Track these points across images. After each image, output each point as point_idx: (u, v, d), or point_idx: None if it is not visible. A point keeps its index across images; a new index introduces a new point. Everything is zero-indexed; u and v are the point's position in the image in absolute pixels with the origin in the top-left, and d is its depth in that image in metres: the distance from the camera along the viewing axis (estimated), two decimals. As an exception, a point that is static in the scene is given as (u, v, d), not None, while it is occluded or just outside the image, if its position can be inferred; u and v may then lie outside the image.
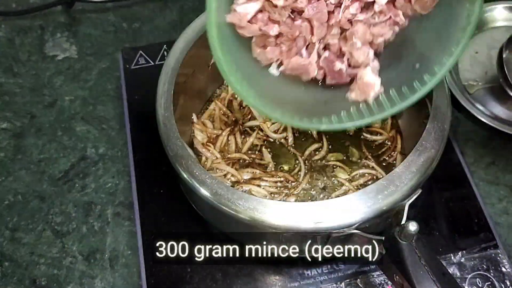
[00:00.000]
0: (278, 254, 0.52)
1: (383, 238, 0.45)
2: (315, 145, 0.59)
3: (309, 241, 0.48)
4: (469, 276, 0.55)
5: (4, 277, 0.57)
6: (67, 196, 0.62)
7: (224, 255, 0.56)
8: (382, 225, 0.49)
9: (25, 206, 0.62)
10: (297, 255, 0.53)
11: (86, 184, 0.63)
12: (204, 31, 0.55)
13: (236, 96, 0.63)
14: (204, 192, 0.46)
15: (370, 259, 0.52)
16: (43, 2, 0.79)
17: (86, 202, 0.62)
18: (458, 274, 0.55)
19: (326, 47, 0.46)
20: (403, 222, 0.45)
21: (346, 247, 0.48)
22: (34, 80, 0.72)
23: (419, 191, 0.47)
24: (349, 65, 0.46)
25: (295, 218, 0.44)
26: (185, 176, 0.47)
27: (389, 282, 0.54)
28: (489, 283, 0.54)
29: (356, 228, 0.45)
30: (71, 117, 0.69)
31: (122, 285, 0.57)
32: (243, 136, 0.60)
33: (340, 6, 0.44)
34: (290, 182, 0.57)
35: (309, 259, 0.53)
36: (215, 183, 0.46)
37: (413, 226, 0.42)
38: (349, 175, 0.58)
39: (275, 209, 0.44)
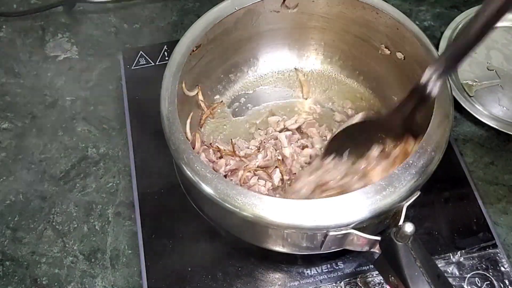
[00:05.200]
0: (277, 252, 0.52)
1: (380, 238, 0.45)
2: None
3: (308, 239, 0.48)
4: (468, 275, 0.55)
5: (5, 276, 0.57)
6: (68, 195, 0.63)
7: (224, 254, 0.56)
8: (381, 225, 0.50)
9: (26, 206, 0.62)
10: (296, 252, 0.53)
11: (87, 184, 0.63)
12: (209, 28, 0.56)
13: None
14: (204, 186, 0.46)
15: (366, 258, 0.53)
16: (44, 3, 0.79)
17: (87, 201, 0.62)
18: (457, 273, 0.55)
19: None
20: (400, 223, 0.45)
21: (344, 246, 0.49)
22: (35, 80, 0.72)
23: (418, 193, 0.47)
24: None
25: (293, 215, 0.44)
26: (186, 170, 0.47)
27: (388, 281, 0.54)
28: (488, 282, 0.54)
29: (354, 228, 0.45)
30: (72, 117, 0.69)
31: (123, 284, 0.57)
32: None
33: None
34: None
35: (308, 257, 0.54)
36: (215, 177, 0.46)
37: (409, 228, 0.42)
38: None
39: (274, 206, 0.45)
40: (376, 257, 0.47)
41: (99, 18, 0.79)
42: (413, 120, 0.51)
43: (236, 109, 0.65)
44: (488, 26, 0.41)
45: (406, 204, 0.46)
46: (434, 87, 0.47)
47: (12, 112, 0.69)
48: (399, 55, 0.59)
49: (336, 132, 0.56)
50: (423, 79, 0.47)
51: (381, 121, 0.54)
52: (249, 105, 0.65)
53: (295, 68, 0.67)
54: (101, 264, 0.58)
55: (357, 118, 0.55)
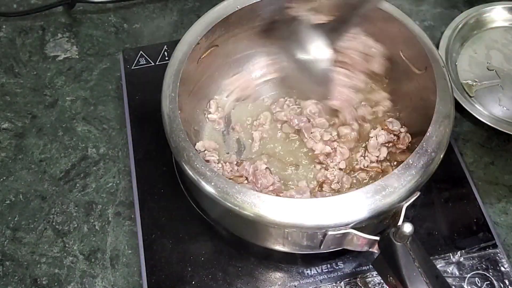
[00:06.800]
0: (277, 251, 0.52)
1: (379, 238, 0.45)
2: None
3: (307, 238, 0.48)
4: (468, 275, 0.55)
5: (5, 276, 0.57)
6: (68, 195, 0.63)
7: (224, 254, 0.56)
8: (380, 225, 0.50)
9: (26, 206, 0.62)
10: (296, 251, 0.53)
11: (87, 184, 0.63)
12: (211, 27, 0.56)
13: None
14: (204, 185, 0.46)
15: (366, 258, 0.53)
16: (44, 2, 0.79)
17: (87, 201, 0.62)
18: (457, 273, 0.55)
19: None
20: (399, 223, 0.45)
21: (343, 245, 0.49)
22: (35, 80, 0.72)
23: (418, 193, 0.47)
24: None
25: (293, 214, 0.44)
26: (186, 168, 0.48)
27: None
28: (488, 282, 0.54)
29: (353, 227, 0.45)
30: (72, 117, 0.69)
31: (122, 284, 0.57)
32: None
33: None
34: None
35: (308, 257, 0.54)
36: (215, 176, 0.46)
37: (408, 228, 0.42)
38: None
39: (274, 205, 0.45)
40: (375, 257, 0.47)
41: (99, 18, 0.79)
42: None
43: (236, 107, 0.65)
44: None
45: (406, 205, 0.46)
46: None
47: (12, 112, 0.69)
48: (401, 54, 0.59)
49: None
50: None
51: None
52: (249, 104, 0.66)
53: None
54: (101, 264, 0.58)
55: None
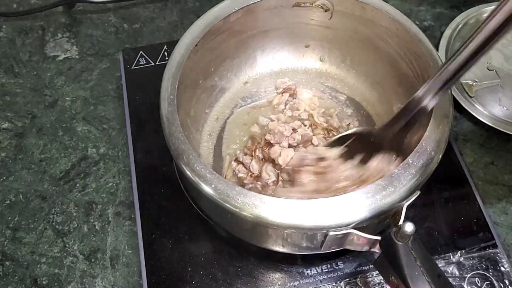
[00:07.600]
0: (277, 252, 0.52)
1: (380, 238, 0.45)
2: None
3: (308, 239, 0.48)
4: (468, 275, 0.55)
5: (5, 276, 0.57)
6: (68, 195, 0.63)
7: (224, 254, 0.56)
8: (381, 225, 0.50)
9: (26, 206, 0.62)
10: (296, 252, 0.53)
11: (87, 184, 0.63)
12: (209, 29, 0.56)
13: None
14: (204, 187, 0.46)
15: (366, 258, 0.53)
16: (44, 2, 0.80)
17: (87, 201, 0.62)
18: (457, 273, 0.55)
19: None
20: (400, 222, 0.45)
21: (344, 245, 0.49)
22: (35, 80, 0.72)
23: (418, 192, 0.47)
24: None
25: (293, 215, 0.44)
26: (185, 170, 0.47)
27: (388, 281, 0.54)
28: (488, 282, 0.54)
29: (354, 228, 0.45)
30: (72, 117, 0.69)
31: (122, 284, 0.57)
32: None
33: None
34: None
35: (308, 257, 0.54)
36: (215, 178, 0.46)
37: (409, 227, 0.42)
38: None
39: (274, 206, 0.45)
40: (376, 257, 0.47)
41: (99, 18, 0.79)
42: (403, 138, 0.51)
43: (235, 108, 0.66)
44: (488, 40, 0.39)
45: (406, 204, 0.46)
46: (429, 103, 0.47)
47: (12, 112, 0.69)
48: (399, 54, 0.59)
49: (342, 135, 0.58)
50: (419, 93, 0.47)
51: (373, 135, 0.54)
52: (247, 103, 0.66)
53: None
54: (101, 264, 0.58)
55: (350, 131, 0.57)
